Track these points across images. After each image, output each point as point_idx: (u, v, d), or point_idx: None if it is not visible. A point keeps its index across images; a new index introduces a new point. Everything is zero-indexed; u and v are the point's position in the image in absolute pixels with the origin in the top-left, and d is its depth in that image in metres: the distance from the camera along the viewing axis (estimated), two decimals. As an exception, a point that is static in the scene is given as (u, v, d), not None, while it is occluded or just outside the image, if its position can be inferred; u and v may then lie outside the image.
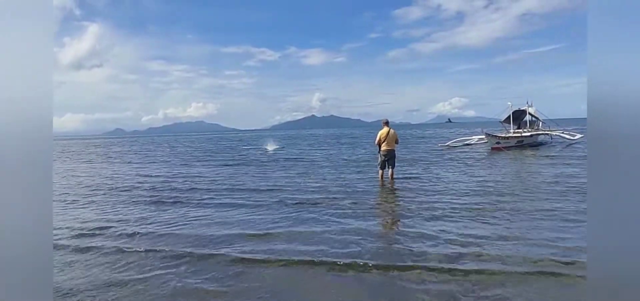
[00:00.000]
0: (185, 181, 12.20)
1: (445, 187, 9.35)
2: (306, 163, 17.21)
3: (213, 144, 40.34)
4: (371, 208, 7.35)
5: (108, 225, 6.53)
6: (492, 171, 12.32)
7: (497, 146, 20.75)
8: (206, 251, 4.99)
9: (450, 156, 18.03)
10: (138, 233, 5.98)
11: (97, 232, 6.14)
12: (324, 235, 5.50)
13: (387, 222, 6.48)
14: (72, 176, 15.10)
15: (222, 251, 4.95)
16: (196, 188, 10.47)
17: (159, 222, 6.68)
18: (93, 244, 5.40)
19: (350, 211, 7.04)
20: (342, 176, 12.15)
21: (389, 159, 10.67)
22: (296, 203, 7.88)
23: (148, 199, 9.05)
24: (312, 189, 9.61)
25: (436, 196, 8.22)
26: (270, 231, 5.82)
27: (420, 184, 9.99)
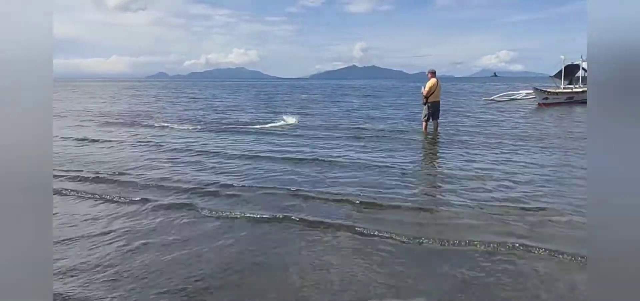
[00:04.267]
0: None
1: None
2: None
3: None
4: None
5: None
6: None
7: (544, 102, 20.08)
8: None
9: (493, 112, 17.83)
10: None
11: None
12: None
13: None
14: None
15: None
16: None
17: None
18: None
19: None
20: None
21: (436, 111, 10.94)
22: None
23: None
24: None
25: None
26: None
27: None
